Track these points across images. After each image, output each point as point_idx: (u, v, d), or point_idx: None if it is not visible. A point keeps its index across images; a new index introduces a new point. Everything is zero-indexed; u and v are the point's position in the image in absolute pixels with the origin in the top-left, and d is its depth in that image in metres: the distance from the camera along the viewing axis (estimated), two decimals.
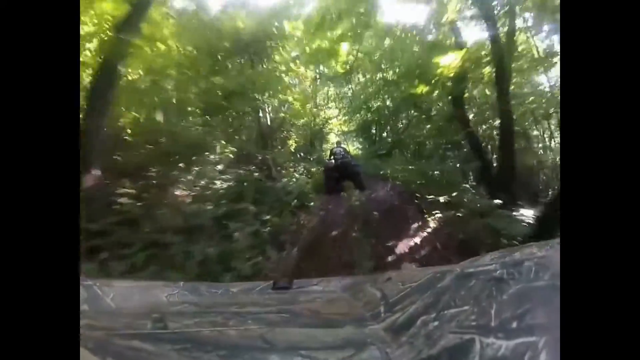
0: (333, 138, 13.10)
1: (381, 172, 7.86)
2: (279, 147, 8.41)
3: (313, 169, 7.93)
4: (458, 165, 7.51)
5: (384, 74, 9.76)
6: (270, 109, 8.35)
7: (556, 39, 5.97)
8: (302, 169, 7.79)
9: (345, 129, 13.87)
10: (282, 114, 8.93)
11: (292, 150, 9.59)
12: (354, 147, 13.96)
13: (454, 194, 4.87)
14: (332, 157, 6.96)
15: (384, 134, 12.61)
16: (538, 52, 7.12)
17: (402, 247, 3.47)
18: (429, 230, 3.90)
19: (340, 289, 0.81)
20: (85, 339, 0.39)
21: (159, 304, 0.69)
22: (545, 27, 5.82)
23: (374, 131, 12.93)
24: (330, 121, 13.36)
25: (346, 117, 13.36)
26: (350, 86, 12.57)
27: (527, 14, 6.06)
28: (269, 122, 8.31)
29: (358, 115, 12.52)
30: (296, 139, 10.31)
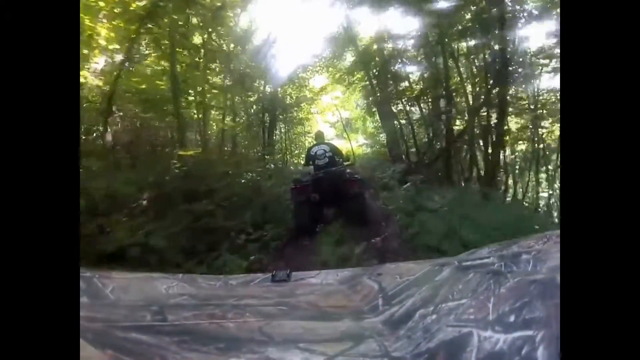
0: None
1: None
2: None
3: None
4: None
5: None
6: None
7: None
8: None
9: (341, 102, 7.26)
10: None
11: None
12: (357, 144, 8.14)
13: None
14: (309, 162, 3.94)
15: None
16: None
17: None
18: None
19: (338, 281, 0.81)
20: (85, 330, 0.39)
21: (158, 296, 0.69)
22: None
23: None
24: (319, 96, 7.47)
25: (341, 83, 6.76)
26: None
27: None
28: None
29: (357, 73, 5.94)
30: None
